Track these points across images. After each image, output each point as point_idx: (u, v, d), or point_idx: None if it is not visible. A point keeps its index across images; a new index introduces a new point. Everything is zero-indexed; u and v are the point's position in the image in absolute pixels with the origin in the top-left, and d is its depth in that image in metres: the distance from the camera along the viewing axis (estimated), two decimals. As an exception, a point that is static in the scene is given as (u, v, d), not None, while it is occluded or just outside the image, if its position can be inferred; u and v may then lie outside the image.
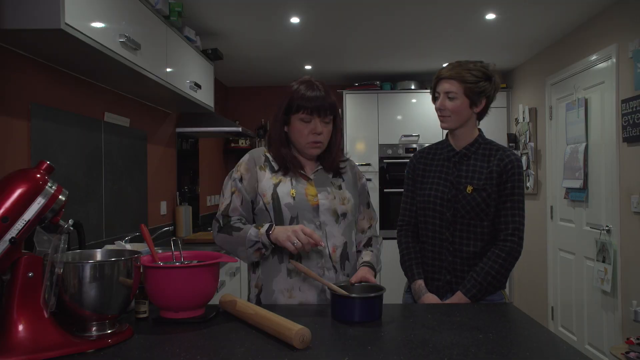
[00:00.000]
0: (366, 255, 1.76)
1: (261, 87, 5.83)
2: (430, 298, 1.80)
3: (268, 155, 1.73)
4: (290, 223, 1.64)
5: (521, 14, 3.50)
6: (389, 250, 4.59)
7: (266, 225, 1.57)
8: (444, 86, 1.78)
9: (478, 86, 1.77)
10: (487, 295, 1.77)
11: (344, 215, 1.70)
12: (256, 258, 1.62)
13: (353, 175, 1.81)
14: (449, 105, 1.78)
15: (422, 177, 1.90)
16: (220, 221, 1.65)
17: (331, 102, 1.66)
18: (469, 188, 1.78)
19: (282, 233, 1.53)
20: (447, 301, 1.77)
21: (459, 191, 1.79)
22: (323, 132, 1.67)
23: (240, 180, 1.67)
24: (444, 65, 1.84)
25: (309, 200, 1.66)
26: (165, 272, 1.40)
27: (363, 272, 1.65)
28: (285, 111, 1.67)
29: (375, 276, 1.68)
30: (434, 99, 1.85)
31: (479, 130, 1.88)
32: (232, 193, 1.67)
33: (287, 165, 1.69)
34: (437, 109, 1.81)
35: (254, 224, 1.64)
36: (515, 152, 1.91)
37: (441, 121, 1.83)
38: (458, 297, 1.75)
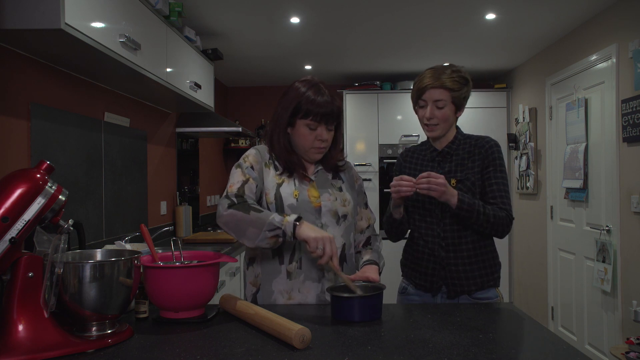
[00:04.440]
0: (366, 254, 1.76)
1: (261, 87, 5.83)
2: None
3: (272, 154, 1.72)
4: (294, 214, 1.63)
5: (521, 14, 3.50)
6: (388, 250, 4.52)
7: (294, 216, 1.51)
8: (432, 95, 1.79)
9: (462, 92, 1.81)
10: (470, 211, 1.71)
11: (345, 216, 1.71)
12: (268, 244, 1.53)
13: (350, 177, 1.82)
14: (439, 113, 1.80)
15: (409, 174, 1.92)
16: (234, 199, 1.56)
17: (338, 107, 1.66)
18: (453, 181, 1.82)
19: (313, 231, 1.48)
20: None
21: None
22: (327, 138, 1.67)
23: (252, 168, 1.65)
24: (425, 73, 1.83)
25: (311, 201, 1.66)
26: (165, 272, 1.40)
27: (364, 272, 1.64)
28: (291, 114, 1.65)
29: (380, 272, 1.68)
30: (418, 107, 1.85)
31: (457, 127, 1.91)
32: (247, 180, 1.62)
33: (292, 168, 1.68)
34: (426, 118, 1.81)
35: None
36: (493, 138, 1.94)
37: (429, 131, 1.84)
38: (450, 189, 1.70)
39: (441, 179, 1.65)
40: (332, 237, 1.48)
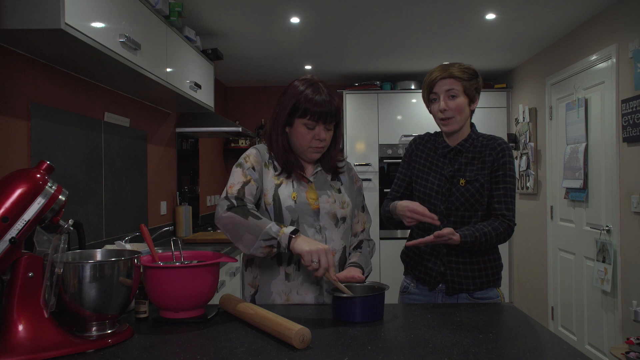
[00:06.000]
0: (353, 257, 1.72)
1: (261, 87, 5.83)
2: (405, 202, 1.79)
3: (272, 153, 1.71)
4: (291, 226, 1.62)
5: (521, 14, 3.50)
6: (388, 250, 4.70)
7: (291, 228, 1.48)
8: (443, 85, 1.78)
9: (472, 82, 1.81)
10: (474, 244, 1.72)
11: (344, 219, 1.69)
12: (262, 254, 1.51)
13: (350, 178, 1.81)
14: (452, 104, 1.78)
15: (419, 163, 1.92)
16: (234, 202, 1.55)
17: (336, 107, 1.64)
18: (462, 181, 1.81)
19: (307, 244, 1.45)
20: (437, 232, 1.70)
21: (453, 184, 1.82)
22: (326, 138, 1.65)
23: (253, 169, 1.64)
24: (434, 69, 1.84)
25: (310, 203, 1.64)
26: (165, 272, 1.40)
27: (349, 271, 1.59)
28: (289, 113, 1.64)
29: (366, 277, 1.65)
30: (431, 102, 1.85)
31: (472, 124, 1.90)
32: (248, 181, 1.60)
33: (291, 169, 1.67)
34: (440, 111, 1.80)
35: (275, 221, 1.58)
36: (505, 140, 1.92)
37: (445, 124, 1.82)
38: (449, 229, 1.70)
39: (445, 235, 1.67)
40: (328, 249, 1.45)
